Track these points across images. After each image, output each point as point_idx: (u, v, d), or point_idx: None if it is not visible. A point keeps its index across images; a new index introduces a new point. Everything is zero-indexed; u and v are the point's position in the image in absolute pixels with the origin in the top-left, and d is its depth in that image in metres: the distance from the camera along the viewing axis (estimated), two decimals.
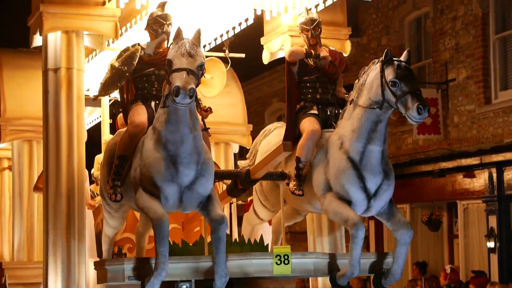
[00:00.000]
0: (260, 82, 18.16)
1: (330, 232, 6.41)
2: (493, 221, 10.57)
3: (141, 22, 5.91)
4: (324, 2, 5.90)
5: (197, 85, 4.39)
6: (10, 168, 8.36)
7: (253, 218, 6.19)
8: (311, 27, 5.64)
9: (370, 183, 4.98)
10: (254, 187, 6.15)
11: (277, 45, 6.39)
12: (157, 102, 5.16)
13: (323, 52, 5.75)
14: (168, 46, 5.22)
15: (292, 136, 5.61)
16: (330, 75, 5.76)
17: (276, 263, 5.06)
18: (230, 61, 6.53)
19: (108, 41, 6.24)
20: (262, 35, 6.85)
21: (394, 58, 4.91)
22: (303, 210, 6.22)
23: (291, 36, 6.28)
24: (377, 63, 4.99)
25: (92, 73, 7.45)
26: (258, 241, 5.88)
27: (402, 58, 4.94)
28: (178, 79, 4.23)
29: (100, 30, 5.50)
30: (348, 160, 5.00)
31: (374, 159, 5.02)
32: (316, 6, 5.98)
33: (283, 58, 6.97)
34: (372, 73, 5.00)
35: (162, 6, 5.31)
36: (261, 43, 6.69)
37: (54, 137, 5.45)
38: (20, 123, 7.18)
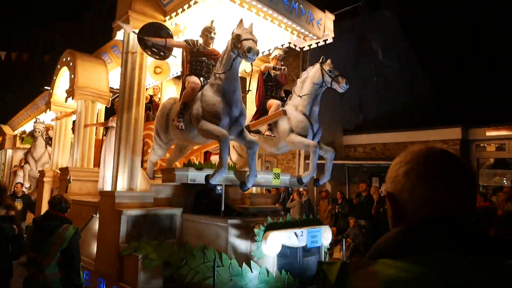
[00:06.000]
0: None
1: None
2: None
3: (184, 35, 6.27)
4: (276, 48, 6.73)
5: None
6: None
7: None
8: (282, 58, 6.65)
9: (314, 127, 5.94)
10: (232, 144, 6.63)
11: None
12: (202, 79, 5.62)
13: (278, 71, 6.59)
14: (213, 47, 5.84)
15: (261, 112, 6.38)
16: (281, 83, 6.71)
17: (274, 178, 5.86)
18: None
19: None
20: None
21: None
22: (266, 153, 6.95)
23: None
24: (316, 64, 5.94)
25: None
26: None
27: (328, 62, 5.89)
28: (249, 43, 4.62)
29: None
30: (303, 115, 5.91)
31: (316, 114, 5.97)
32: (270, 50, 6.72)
33: None
34: (313, 70, 5.95)
35: (211, 21, 5.81)
36: None
37: (128, 95, 5.93)
38: (85, 90, 7.94)
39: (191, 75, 5.65)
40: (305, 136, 5.82)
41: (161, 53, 5.77)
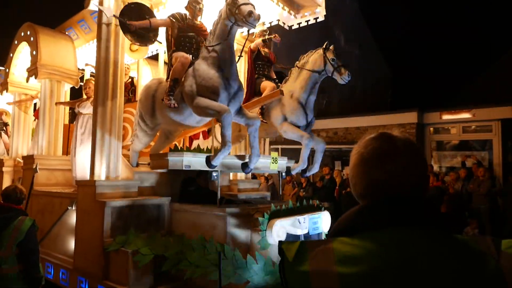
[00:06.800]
0: None
1: None
2: None
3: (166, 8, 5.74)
4: (263, 24, 6.44)
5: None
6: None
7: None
8: (267, 33, 6.17)
9: (309, 117, 5.59)
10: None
11: None
12: (191, 57, 5.08)
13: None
14: (201, 21, 5.30)
15: (251, 94, 5.95)
16: (271, 61, 6.25)
17: (271, 162, 5.56)
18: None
19: None
20: None
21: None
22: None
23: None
24: (318, 49, 5.49)
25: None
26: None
27: (331, 48, 5.45)
28: (248, 7, 4.14)
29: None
30: (299, 103, 5.51)
31: (312, 104, 5.58)
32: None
33: None
34: (314, 55, 5.49)
35: None
36: None
37: (112, 75, 5.30)
38: (50, 68, 7.00)
39: (178, 51, 5.12)
40: (298, 126, 5.54)
41: (146, 37, 5.21)
